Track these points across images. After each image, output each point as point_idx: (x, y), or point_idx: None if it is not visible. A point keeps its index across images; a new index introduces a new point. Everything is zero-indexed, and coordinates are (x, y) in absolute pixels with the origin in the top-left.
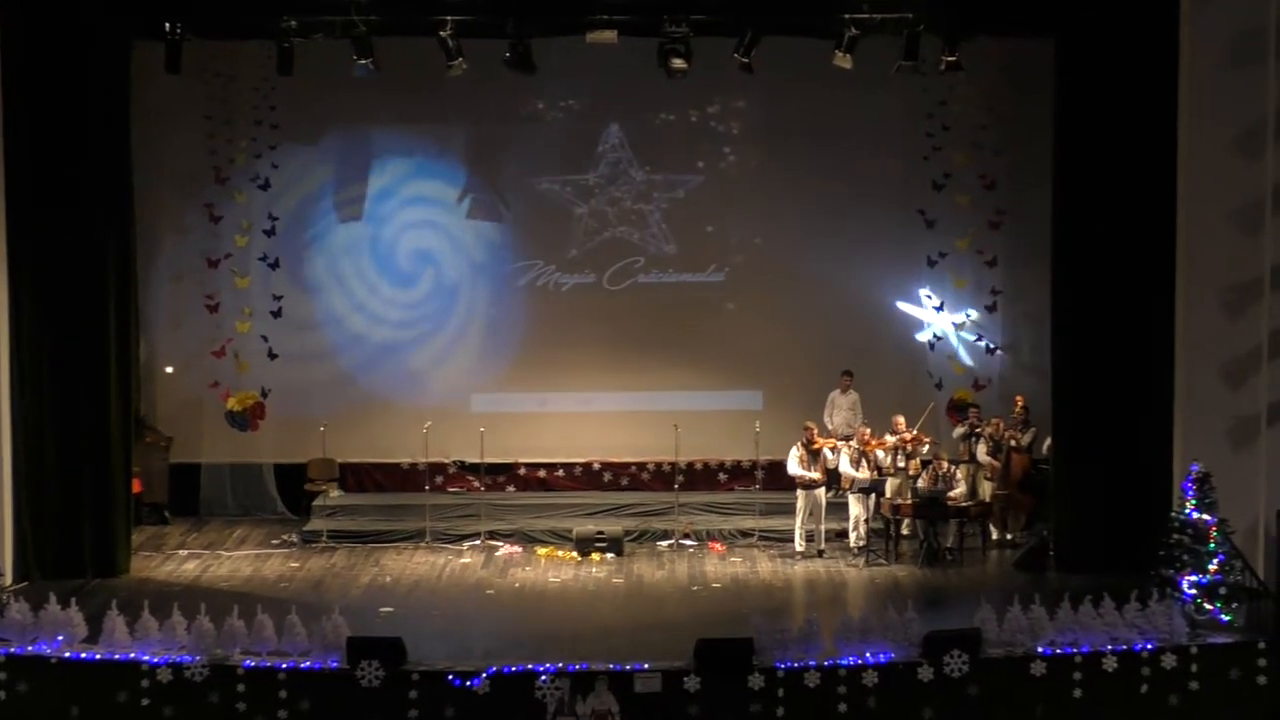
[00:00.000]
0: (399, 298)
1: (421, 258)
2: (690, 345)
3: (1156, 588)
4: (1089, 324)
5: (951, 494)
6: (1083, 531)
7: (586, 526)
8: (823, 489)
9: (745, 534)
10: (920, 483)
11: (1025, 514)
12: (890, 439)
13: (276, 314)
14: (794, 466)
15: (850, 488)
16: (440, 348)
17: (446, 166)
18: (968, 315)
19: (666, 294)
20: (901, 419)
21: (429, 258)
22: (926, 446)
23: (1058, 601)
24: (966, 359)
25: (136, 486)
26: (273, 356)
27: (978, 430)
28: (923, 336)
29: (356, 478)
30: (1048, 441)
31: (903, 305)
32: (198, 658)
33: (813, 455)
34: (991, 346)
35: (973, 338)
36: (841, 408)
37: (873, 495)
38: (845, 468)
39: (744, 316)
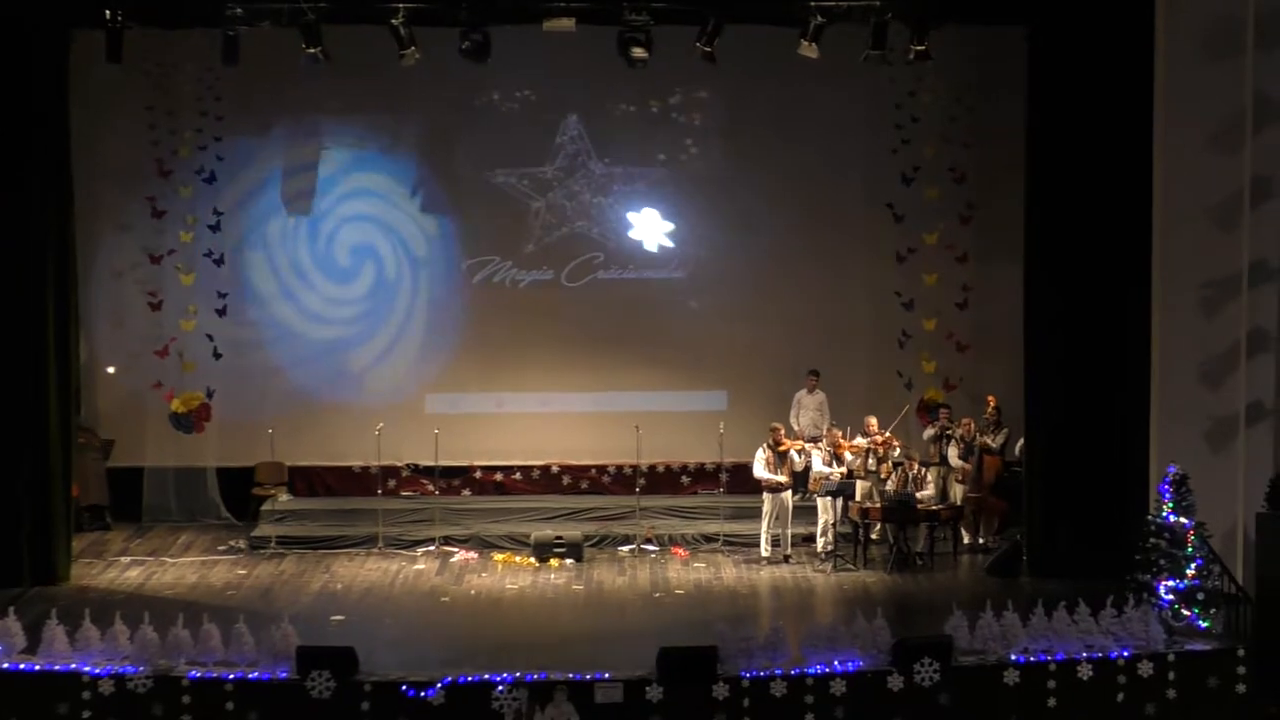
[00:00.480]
0: (349, 294)
1: (371, 253)
2: (652, 344)
3: (1133, 593)
4: (1063, 322)
5: (921, 497)
6: (1057, 536)
7: (545, 531)
8: (789, 492)
9: (709, 539)
10: (889, 486)
11: (998, 518)
12: (862, 441)
13: (222, 312)
14: (760, 469)
15: (818, 490)
16: (393, 347)
17: (398, 159)
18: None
19: (627, 291)
20: (874, 420)
21: (379, 253)
22: (898, 449)
23: (1031, 608)
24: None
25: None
26: (218, 356)
27: (948, 432)
28: (892, 334)
29: (306, 481)
30: (1020, 443)
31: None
32: (141, 668)
33: (779, 457)
34: (963, 344)
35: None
36: (808, 408)
37: (840, 499)
38: (819, 467)
39: (707, 314)
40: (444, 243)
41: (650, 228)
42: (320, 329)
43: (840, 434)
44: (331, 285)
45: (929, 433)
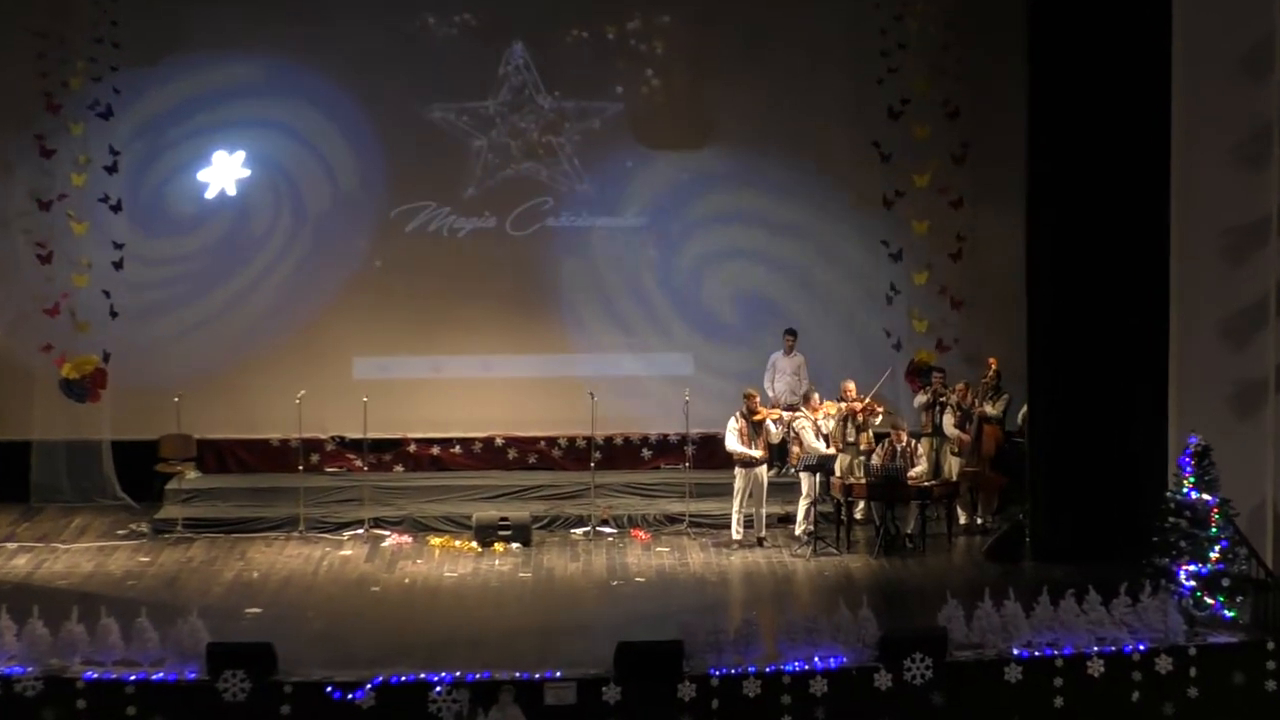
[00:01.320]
0: (264, 244)
1: (291, 198)
2: (608, 300)
3: (1149, 579)
4: (1070, 274)
5: (912, 472)
6: (1064, 515)
7: (488, 512)
8: (764, 467)
9: (673, 520)
10: (875, 459)
11: (997, 495)
12: (832, 404)
13: (119, 265)
14: (732, 441)
15: (796, 465)
16: (315, 303)
17: (319, 92)
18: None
19: (580, 241)
20: (851, 385)
21: (299, 198)
22: (880, 417)
23: (1035, 596)
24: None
25: None
26: (115, 315)
27: (942, 398)
28: (878, 289)
29: (217, 456)
30: (1023, 411)
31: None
32: (30, 669)
33: (754, 428)
34: (957, 300)
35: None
36: (785, 372)
37: (820, 474)
38: (810, 439)
39: (670, 267)
40: (371, 187)
41: (599, 167)
42: (238, 283)
43: (818, 398)
44: (243, 234)
45: (920, 399)
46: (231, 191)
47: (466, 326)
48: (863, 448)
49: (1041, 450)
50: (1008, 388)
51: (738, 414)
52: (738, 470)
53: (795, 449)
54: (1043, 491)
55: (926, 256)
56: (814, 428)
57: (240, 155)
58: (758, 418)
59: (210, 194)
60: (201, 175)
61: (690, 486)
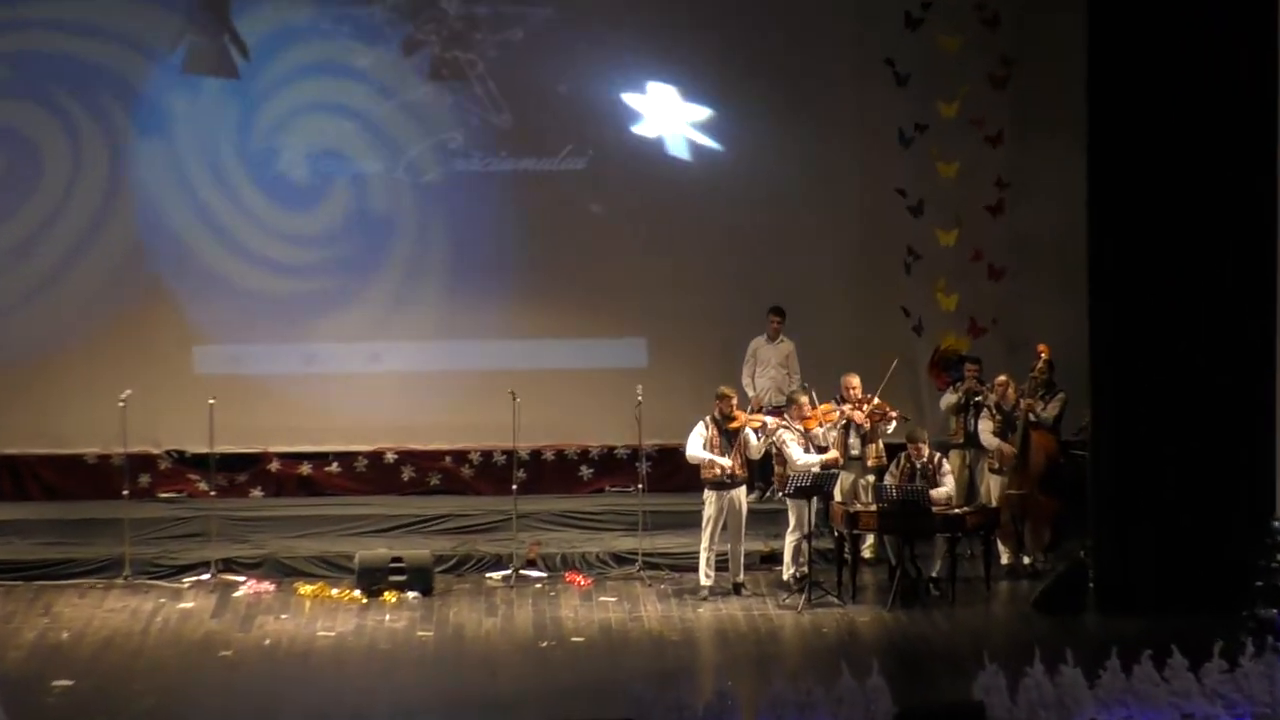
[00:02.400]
0: (75, 200)
1: (108, 136)
2: (536, 269)
3: (1251, 636)
4: (1145, 235)
5: (937, 495)
6: (1138, 552)
7: (375, 551)
8: (742, 489)
9: (623, 560)
10: (888, 479)
11: (1050, 526)
12: (833, 407)
13: None
14: (696, 448)
15: (785, 488)
16: (141, 275)
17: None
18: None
19: (498, 190)
20: (856, 380)
21: (117, 136)
22: (894, 423)
23: (1101, 659)
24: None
25: None
26: None
27: (977, 398)
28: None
29: (14, 479)
30: (1085, 418)
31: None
32: None
33: (728, 437)
34: (996, 268)
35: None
36: (769, 363)
37: (815, 499)
38: (800, 456)
39: (618, 224)
40: (219, 118)
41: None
42: (37, 254)
43: (809, 399)
44: (36, 186)
45: (949, 400)
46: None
47: (348, 304)
48: (871, 463)
49: (1108, 467)
50: (1063, 384)
51: (708, 419)
52: (707, 494)
53: (779, 468)
54: (1110, 521)
55: (956, 210)
56: (801, 440)
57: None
58: (734, 425)
59: None
60: None
61: (645, 516)
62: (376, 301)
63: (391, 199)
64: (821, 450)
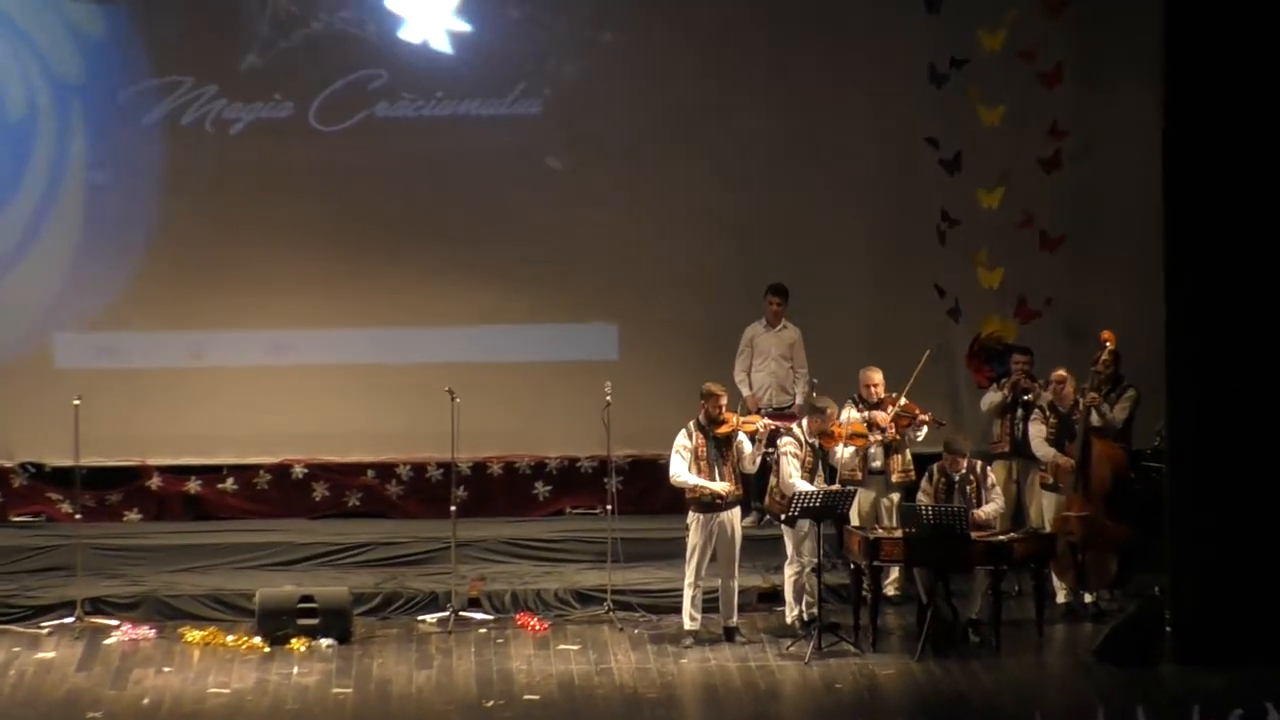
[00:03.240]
0: None
1: None
2: (479, 239)
3: None
4: (1231, 200)
5: (982, 516)
6: (1225, 589)
7: (281, 588)
8: (735, 511)
9: (587, 598)
10: (920, 498)
11: (1117, 556)
12: (855, 415)
13: None
14: (680, 468)
15: (786, 510)
16: None
17: None
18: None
19: (432, 140)
20: (877, 376)
21: None
22: (925, 429)
23: None
24: None
25: None
26: None
27: (1027, 396)
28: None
29: None
30: (1160, 423)
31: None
32: None
33: (718, 446)
34: (1051, 237)
35: None
36: (768, 354)
37: (825, 522)
38: (792, 475)
39: (583, 183)
40: (90, 54)
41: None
42: None
43: (832, 411)
44: None
45: (992, 399)
46: None
47: (246, 283)
48: (896, 479)
49: (1189, 483)
50: (1134, 380)
51: (692, 425)
52: (692, 517)
53: (775, 482)
54: (1191, 551)
55: (1000, 162)
56: (810, 457)
57: None
58: (724, 430)
59: None
60: None
61: (615, 544)
62: (280, 280)
63: (300, 150)
64: (831, 478)
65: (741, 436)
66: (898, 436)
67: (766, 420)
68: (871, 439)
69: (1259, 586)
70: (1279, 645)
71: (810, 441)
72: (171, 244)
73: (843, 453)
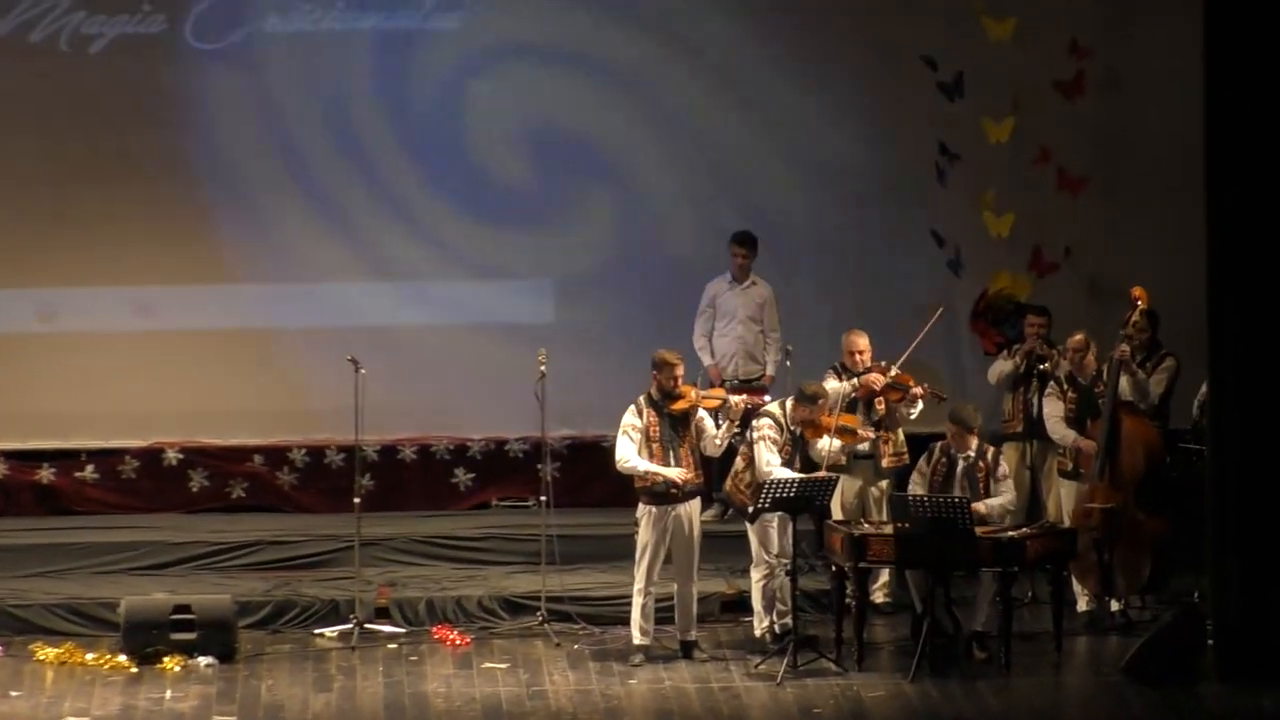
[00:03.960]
0: None
1: None
2: (388, 179)
3: None
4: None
5: (990, 509)
6: (1276, 597)
7: (151, 596)
8: (694, 503)
9: (518, 607)
10: (913, 484)
11: (1150, 555)
12: (841, 385)
13: None
14: (628, 451)
15: (763, 502)
16: None
17: None
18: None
19: (331, 60)
20: (863, 341)
21: None
22: (920, 403)
23: None
24: None
25: None
26: None
27: (1043, 365)
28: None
29: None
30: (1201, 394)
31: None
32: None
33: (673, 425)
34: (1073, 177)
35: None
36: (733, 316)
37: (801, 516)
38: (768, 460)
39: (509, 110)
40: None
41: None
42: None
43: (825, 402)
44: None
45: (1002, 368)
46: None
47: (105, 231)
48: (886, 463)
49: (1235, 471)
50: (1171, 346)
51: (642, 400)
52: (643, 510)
53: (741, 466)
54: (1236, 550)
55: (1012, 89)
56: (782, 439)
57: None
58: (680, 406)
59: None
60: None
61: (551, 543)
62: (148, 229)
63: (173, 73)
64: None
65: (703, 413)
66: (883, 411)
67: (741, 397)
68: (863, 435)
69: None
70: None
71: (792, 427)
72: (14, 186)
73: (827, 446)
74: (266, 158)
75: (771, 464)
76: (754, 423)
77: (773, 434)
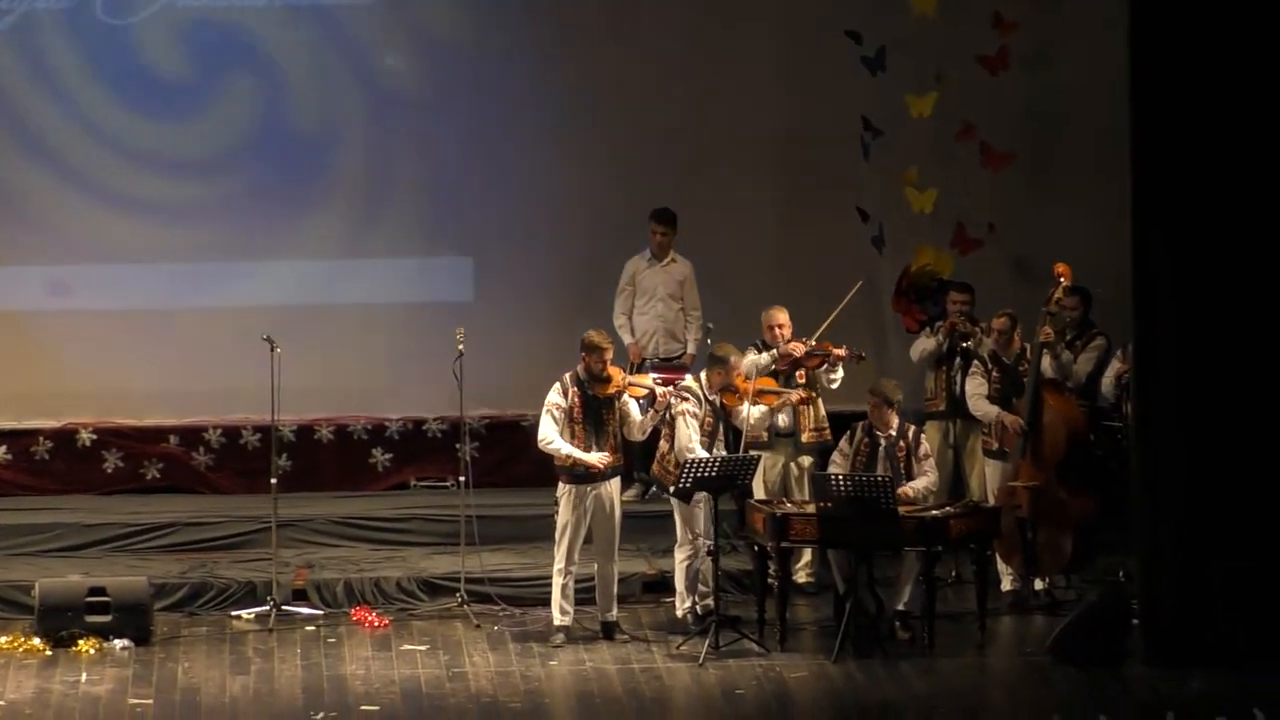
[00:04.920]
0: None
1: None
2: (304, 156)
3: None
4: (1211, 114)
5: (908, 491)
6: (1203, 575)
7: (64, 579)
8: (615, 482)
9: (437, 588)
10: (834, 462)
11: (1073, 535)
12: (760, 357)
13: None
14: (551, 432)
15: (684, 482)
16: None
17: None
18: None
19: (244, 34)
20: (782, 316)
21: None
22: (840, 369)
23: None
24: None
25: None
26: None
27: (967, 343)
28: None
29: None
30: (1113, 370)
31: None
32: None
33: (597, 409)
34: (997, 152)
35: None
36: (653, 294)
37: (722, 496)
38: (689, 439)
39: (426, 86)
40: None
41: None
42: None
43: (736, 360)
44: None
45: (924, 346)
46: None
47: (15, 209)
48: (807, 439)
49: (1161, 449)
50: (1100, 323)
51: (568, 379)
52: (563, 490)
53: (665, 447)
54: (1163, 529)
55: (936, 62)
56: (703, 414)
57: None
58: (607, 390)
59: None
60: None
61: (470, 523)
62: (59, 203)
63: (82, 49)
64: (737, 443)
65: (628, 399)
66: (804, 381)
67: (666, 390)
68: (789, 397)
69: (1244, 572)
70: (1268, 641)
71: (711, 399)
72: None
73: (749, 413)
74: (181, 134)
75: (692, 440)
76: (671, 400)
77: (692, 408)
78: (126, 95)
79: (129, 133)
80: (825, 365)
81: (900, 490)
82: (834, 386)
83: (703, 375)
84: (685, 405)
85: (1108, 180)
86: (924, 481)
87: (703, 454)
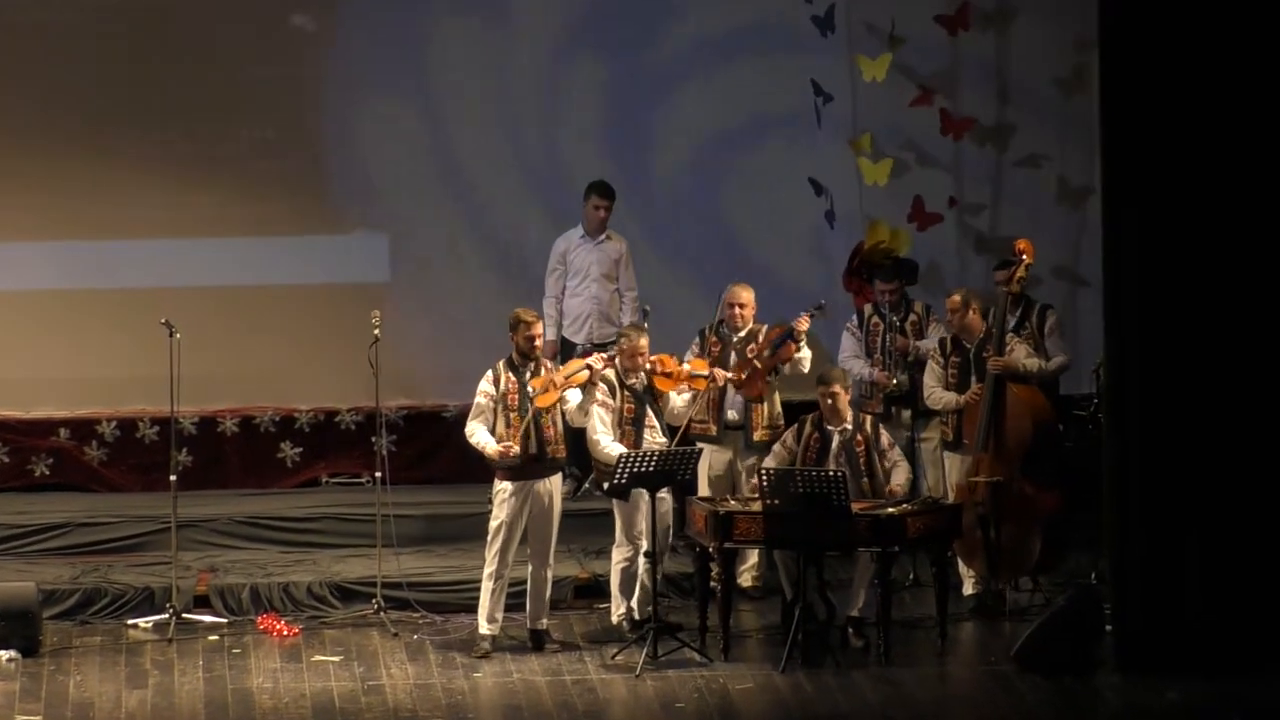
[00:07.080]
0: None
1: None
2: (205, 125)
3: None
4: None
5: (897, 487)
6: (1180, 578)
7: None
8: (555, 479)
9: (351, 594)
10: (773, 455)
11: (1039, 533)
12: (712, 371)
13: None
14: (480, 429)
15: (619, 478)
16: None
17: None
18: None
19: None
20: (746, 294)
21: None
22: (805, 347)
23: None
24: None
25: None
26: None
27: (921, 328)
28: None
29: None
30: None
31: None
32: None
33: (523, 398)
34: (958, 119)
35: None
36: (586, 273)
37: (661, 492)
38: (599, 436)
39: (339, 50)
40: None
41: None
42: None
43: (636, 339)
44: None
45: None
46: None
47: None
48: (758, 436)
49: (1134, 441)
50: (1057, 301)
51: (501, 365)
52: (500, 486)
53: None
54: (1137, 528)
55: (890, 20)
56: (618, 402)
57: None
58: (540, 383)
59: None
60: None
61: (386, 524)
62: None
63: None
64: (671, 433)
65: (567, 394)
66: (758, 366)
67: (590, 363)
68: (724, 377)
69: (1222, 574)
70: (1248, 648)
71: (630, 385)
72: None
73: (675, 401)
74: (69, 103)
75: (598, 432)
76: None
77: (603, 397)
78: (22, 70)
79: (17, 114)
80: (781, 354)
81: (888, 489)
82: (805, 369)
83: (616, 361)
84: (596, 395)
85: (1078, 148)
86: (903, 474)
87: (616, 448)
